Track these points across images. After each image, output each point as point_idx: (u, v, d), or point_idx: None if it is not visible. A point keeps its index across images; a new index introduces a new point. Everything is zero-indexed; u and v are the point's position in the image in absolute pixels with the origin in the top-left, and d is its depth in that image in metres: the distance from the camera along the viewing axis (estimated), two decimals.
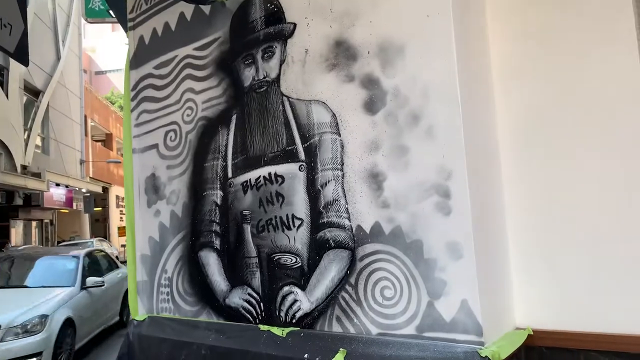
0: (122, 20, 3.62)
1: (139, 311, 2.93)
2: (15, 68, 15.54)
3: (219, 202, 2.67)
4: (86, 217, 23.62)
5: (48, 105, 18.68)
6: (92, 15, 10.98)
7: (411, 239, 1.96)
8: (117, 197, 27.20)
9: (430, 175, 1.92)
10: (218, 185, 2.67)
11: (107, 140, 27.40)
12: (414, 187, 1.96)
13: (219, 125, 2.67)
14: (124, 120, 3.19)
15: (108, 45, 34.49)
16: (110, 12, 8.12)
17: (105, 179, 25.04)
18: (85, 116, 22.82)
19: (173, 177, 2.87)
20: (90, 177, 22.81)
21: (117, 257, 19.61)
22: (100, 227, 26.00)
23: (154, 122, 2.97)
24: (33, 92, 18.03)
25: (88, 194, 22.64)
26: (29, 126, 17.31)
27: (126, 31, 3.77)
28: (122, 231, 25.73)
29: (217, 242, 2.66)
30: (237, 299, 2.52)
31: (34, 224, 19.52)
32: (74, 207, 21.49)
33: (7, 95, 14.96)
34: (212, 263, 2.67)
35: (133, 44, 3.11)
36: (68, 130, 20.95)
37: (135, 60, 3.09)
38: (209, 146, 2.72)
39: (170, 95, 2.89)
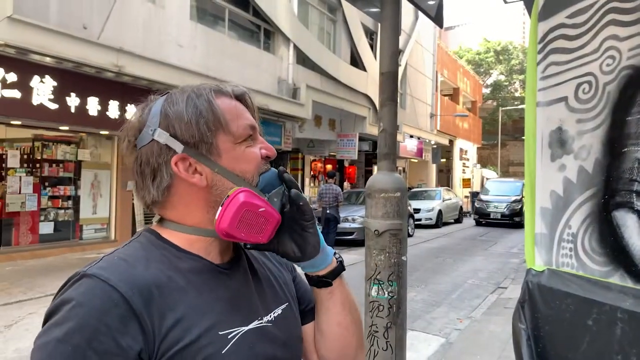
0: None
1: (535, 261, 3.01)
2: None
3: None
4: (432, 167, 25.63)
5: (407, 63, 20.67)
6: None
7: None
8: (461, 150, 28.33)
9: None
10: None
11: (453, 95, 28.57)
12: None
13: None
14: (528, 74, 3.22)
15: (454, 0, 35.35)
16: None
17: (451, 132, 26.34)
18: (436, 72, 24.30)
19: (584, 131, 2.75)
20: (437, 130, 24.44)
21: (461, 207, 20.74)
22: (444, 178, 27.77)
23: (564, 75, 2.88)
24: None
25: (435, 146, 24.41)
26: None
27: None
28: (465, 183, 26.83)
29: (638, 203, 2.44)
30: None
31: None
32: (423, 158, 23.57)
33: (374, 56, 17.23)
34: (630, 225, 2.47)
35: None
36: (421, 85, 22.81)
37: (545, 10, 3.03)
38: (635, 98, 2.47)
39: (585, 45, 2.74)
